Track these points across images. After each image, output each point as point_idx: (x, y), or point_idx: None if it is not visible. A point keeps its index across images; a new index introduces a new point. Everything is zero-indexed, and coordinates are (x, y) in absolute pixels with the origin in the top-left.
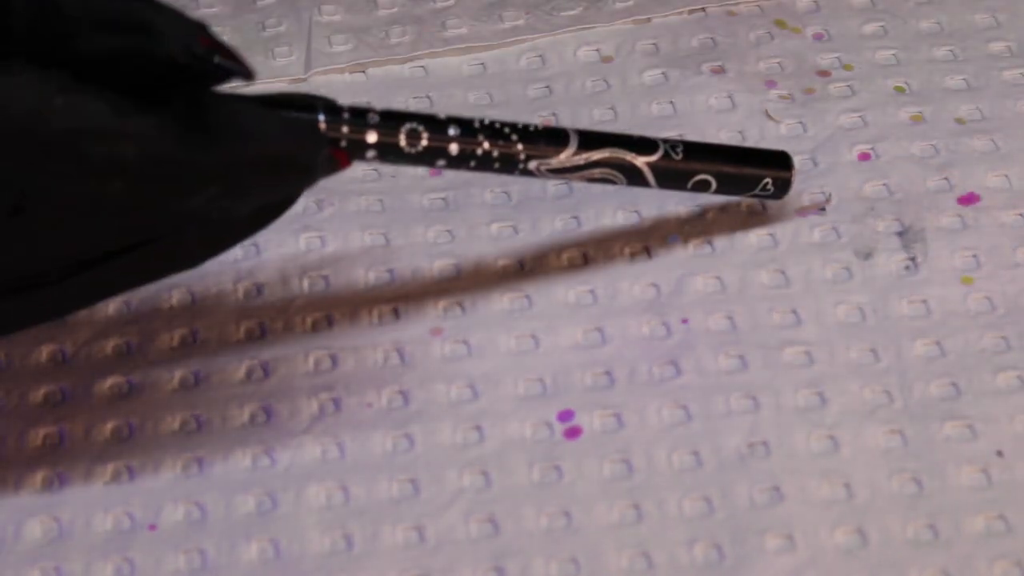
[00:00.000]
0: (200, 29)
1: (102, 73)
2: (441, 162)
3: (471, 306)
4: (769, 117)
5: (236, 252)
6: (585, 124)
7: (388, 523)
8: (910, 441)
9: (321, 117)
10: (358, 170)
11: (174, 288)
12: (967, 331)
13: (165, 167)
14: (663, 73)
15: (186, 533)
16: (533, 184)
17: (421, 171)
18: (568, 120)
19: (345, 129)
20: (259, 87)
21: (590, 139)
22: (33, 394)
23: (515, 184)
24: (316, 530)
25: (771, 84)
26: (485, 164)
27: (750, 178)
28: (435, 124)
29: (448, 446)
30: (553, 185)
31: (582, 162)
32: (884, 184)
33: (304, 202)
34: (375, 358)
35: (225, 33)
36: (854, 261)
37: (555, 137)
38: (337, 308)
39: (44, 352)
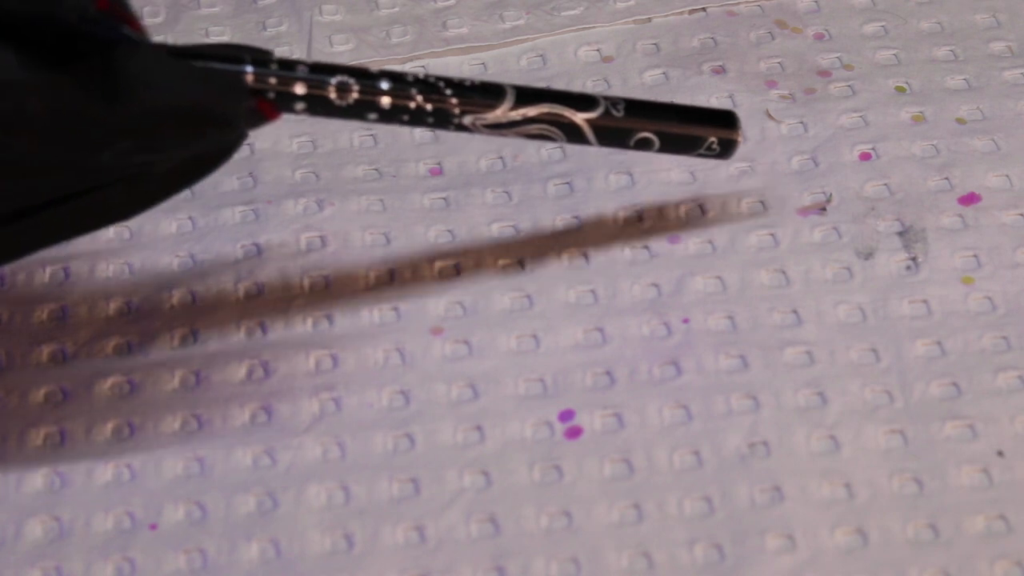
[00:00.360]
0: None
1: (8, 32)
2: (372, 115)
3: (472, 306)
4: (770, 117)
5: (236, 252)
6: None
7: (389, 523)
8: (911, 441)
9: (248, 68)
10: (358, 169)
11: (175, 288)
12: (968, 331)
13: (72, 121)
14: (664, 73)
15: (187, 533)
16: (534, 184)
17: (422, 171)
18: None
19: (273, 80)
20: None
21: (527, 94)
22: (34, 394)
23: (516, 184)
24: (317, 530)
25: (772, 84)
26: (418, 119)
27: (694, 137)
28: (366, 77)
29: (449, 446)
30: (554, 185)
31: (519, 118)
32: (885, 184)
33: (305, 202)
34: (376, 358)
35: (225, 33)
36: (855, 261)
37: (491, 92)
38: (338, 308)
39: (45, 352)
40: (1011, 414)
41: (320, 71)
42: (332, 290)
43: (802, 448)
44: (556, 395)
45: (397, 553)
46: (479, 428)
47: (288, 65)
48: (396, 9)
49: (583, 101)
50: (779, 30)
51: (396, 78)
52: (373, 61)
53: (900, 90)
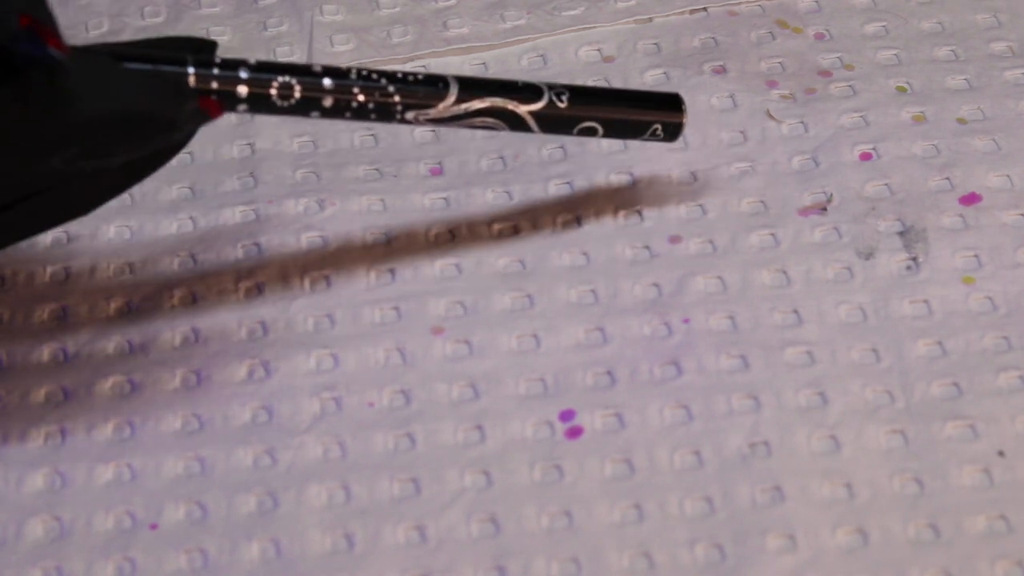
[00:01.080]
0: (32, 5)
1: None
2: (315, 113)
3: (472, 305)
4: (771, 117)
5: (237, 252)
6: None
7: (389, 523)
8: (911, 441)
9: (191, 70)
10: (359, 169)
11: (175, 287)
12: (969, 331)
13: (16, 131)
14: (664, 73)
15: (188, 532)
16: (535, 184)
17: (423, 171)
18: None
19: (215, 84)
20: None
21: (471, 87)
22: (35, 393)
23: (517, 183)
24: (317, 530)
25: (772, 84)
26: (361, 115)
27: (638, 123)
28: (309, 76)
29: (449, 445)
30: (555, 184)
31: (462, 111)
32: (886, 184)
33: (306, 202)
34: (377, 357)
35: (226, 33)
36: (855, 261)
37: (434, 86)
38: (338, 307)
39: (45, 351)
40: (1012, 414)
41: (262, 71)
42: (333, 290)
43: (803, 448)
44: (557, 395)
45: (398, 553)
46: (480, 428)
47: (231, 65)
48: (397, 9)
49: (527, 91)
50: (780, 30)
51: (338, 74)
52: (374, 61)
53: (901, 90)
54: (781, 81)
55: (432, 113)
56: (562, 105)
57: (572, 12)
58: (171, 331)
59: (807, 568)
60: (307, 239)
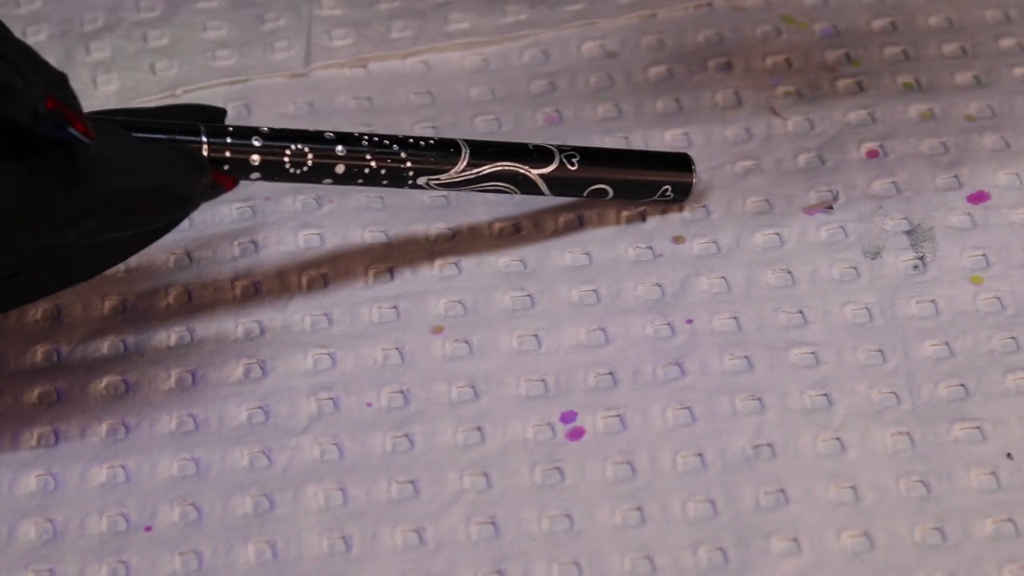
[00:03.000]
0: (56, 86)
1: None
2: (328, 180)
3: (472, 305)
4: (775, 114)
5: (234, 250)
6: (589, 121)
7: (387, 524)
8: (918, 443)
9: (204, 140)
10: None
11: (171, 286)
12: (976, 331)
13: (36, 207)
14: (668, 69)
15: (182, 534)
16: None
17: None
18: (572, 116)
19: (228, 153)
20: (258, 83)
21: (482, 151)
22: (28, 394)
23: None
24: (314, 531)
25: (778, 80)
26: (373, 181)
27: (648, 184)
28: (321, 143)
29: (449, 447)
30: None
31: (473, 176)
32: (892, 182)
33: (303, 199)
34: (375, 357)
35: (224, 27)
36: (862, 260)
37: (445, 150)
38: (336, 306)
39: (39, 351)
40: (1020, 416)
41: (275, 139)
42: (331, 288)
43: (808, 450)
44: (558, 396)
45: (396, 555)
46: (480, 429)
47: (243, 133)
48: (396, 3)
49: (538, 154)
50: (785, 25)
51: (350, 141)
52: (373, 56)
53: (908, 86)
54: (787, 77)
55: (444, 178)
56: (573, 168)
57: (574, 7)
58: (166, 330)
59: (812, 571)
60: (305, 237)
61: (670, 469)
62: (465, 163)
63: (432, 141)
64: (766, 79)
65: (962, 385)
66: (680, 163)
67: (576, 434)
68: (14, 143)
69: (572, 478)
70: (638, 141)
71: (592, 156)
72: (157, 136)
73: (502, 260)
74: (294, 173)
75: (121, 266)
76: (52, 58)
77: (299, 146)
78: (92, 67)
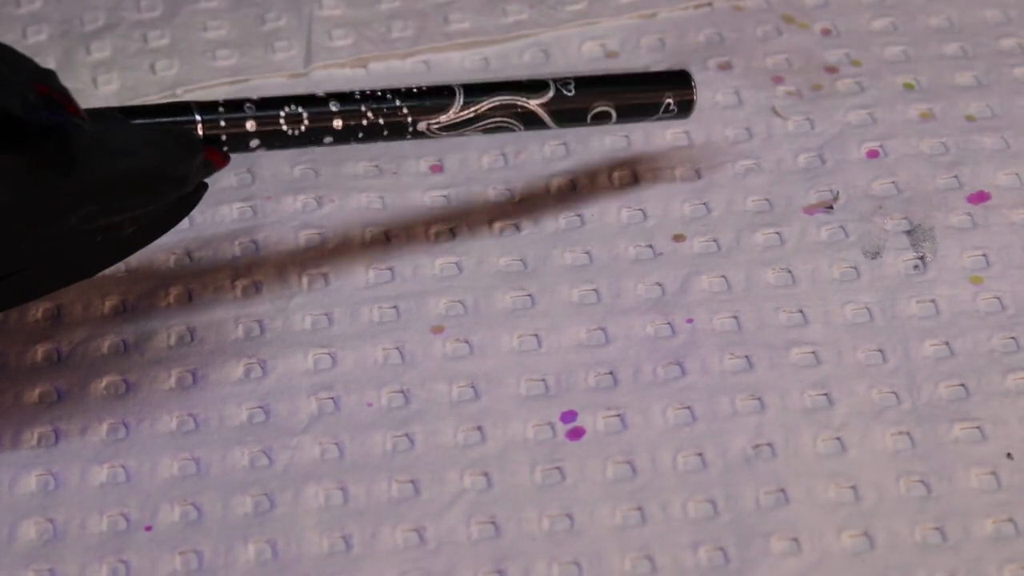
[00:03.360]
0: (43, 77)
1: None
2: (328, 139)
3: (473, 304)
4: (776, 114)
5: (234, 249)
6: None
7: (388, 524)
8: (918, 443)
9: (197, 117)
10: (358, 165)
11: (171, 285)
12: (976, 331)
13: (35, 194)
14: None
15: (183, 534)
16: (537, 182)
17: (423, 168)
18: None
19: (223, 123)
20: (258, 83)
21: (476, 90)
22: (28, 393)
23: (519, 182)
24: (314, 531)
25: (778, 80)
26: (373, 134)
27: (649, 102)
28: (314, 102)
29: (449, 446)
30: (557, 182)
31: (472, 114)
32: (893, 182)
33: (304, 198)
34: (375, 356)
35: (224, 27)
36: (862, 260)
37: (440, 94)
38: (337, 306)
39: (39, 351)
40: (1020, 416)
41: (267, 105)
42: (331, 288)
43: (808, 450)
44: (558, 395)
45: (396, 555)
46: (480, 428)
47: (235, 105)
48: (397, 3)
49: (533, 86)
50: (786, 25)
51: (344, 97)
52: (373, 56)
53: (909, 87)
54: (787, 77)
55: (443, 120)
56: (570, 94)
57: (575, 7)
58: (166, 330)
59: (812, 571)
60: (305, 236)
61: (670, 469)
62: (462, 102)
63: (425, 88)
64: (766, 79)
65: (962, 385)
66: (679, 80)
67: (576, 434)
68: (6, 134)
69: (572, 478)
70: (639, 140)
71: (588, 81)
72: (150, 119)
73: (502, 260)
74: (292, 135)
75: (121, 266)
76: (52, 58)
77: (293, 107)
78: (92, 67)
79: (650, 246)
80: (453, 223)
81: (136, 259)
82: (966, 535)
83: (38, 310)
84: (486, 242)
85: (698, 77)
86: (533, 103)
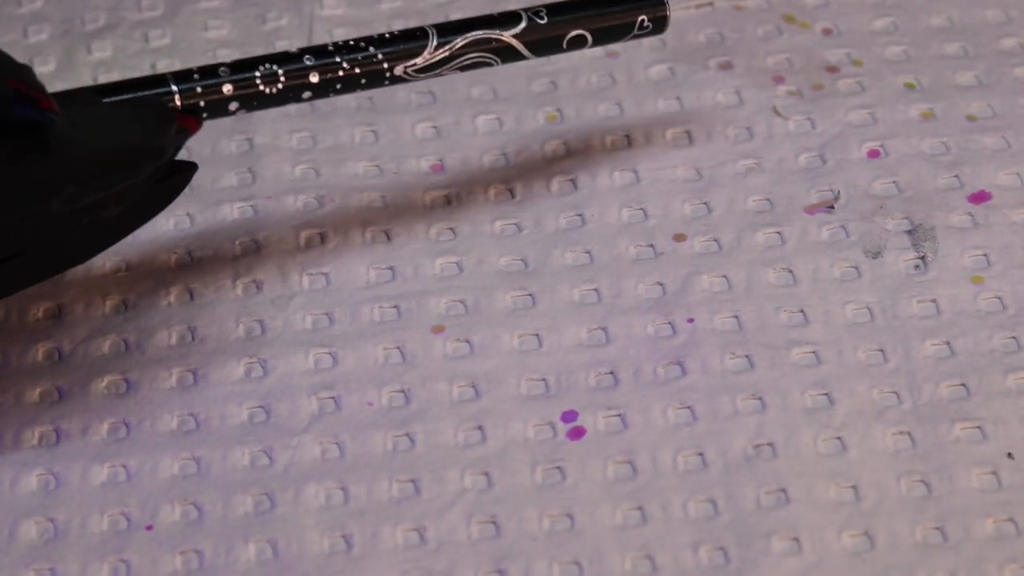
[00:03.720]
0: (18, 73)
1: None
2: (307, 94)
3: (474, 304)
4: (777, 113)
5: (235, 249)
6: (590, 120)
7: (388, 524)
8: (919, 443)
9: (174, 88)
10: (359, 165)
11: (172, 285)
12: (977, 331)
13: (14, 181)
14: (669, 68)
15: (183, 533)
16: (537, 181)
17: (424, 167)
18: (574, 115)
19: (199, 90)
20: None
21: (449, 29)
22: (29, 393)
23: (519, 181)
24: (315, 531)
25: (779, 80)
26: (351, 85)
27: (623, 22)
28: (289, 59)
29: (449, 446)
30: (558, 182)
31: (448, 54)
32: (894, 182)
33: (304, 198)
34: (376, 356)
35: (224, 27)
36: (863, 260)
37: (413, 37)
38: (337, 305)
39: (40, 350)
40: (1021, 415)
41: (242, 67)
42: (332, 287)
43: (809, 449)
44: (559, 395)
45: (397, 554)
46: (480, 428)
47: (209, 71)
48: (397, 3)
49: (505, 19)
50: (787, 25)
51: (317, 51)
52: None
53: (909, 86)
54: (788, 77)
55: (419, 62)
56: (543, 22)
57: None
58: (167, 329)
59: (812, 571)
60: (306, 236)
61: (671, 469)
62: (435, 43)
63: (397, 32)
64: (767, 79)
65: (963, 385)
66: None
67: (577, 433)
68: None
69: (573, 478)
70: (640, 140)
71: (560, 8)
72: (125, 96)
73: (503, 259)
74: (270, 93)
75: (122, 264)
76: (53, 58)
77: (268, 66)
78: (93, 67)
79: (651, 246)
80: (454, 223)
81: (137, 258)
82: (967, 535)
83: (39, 309)
84: (487, 242)
85: (699, 77)
86: (507, 35)
